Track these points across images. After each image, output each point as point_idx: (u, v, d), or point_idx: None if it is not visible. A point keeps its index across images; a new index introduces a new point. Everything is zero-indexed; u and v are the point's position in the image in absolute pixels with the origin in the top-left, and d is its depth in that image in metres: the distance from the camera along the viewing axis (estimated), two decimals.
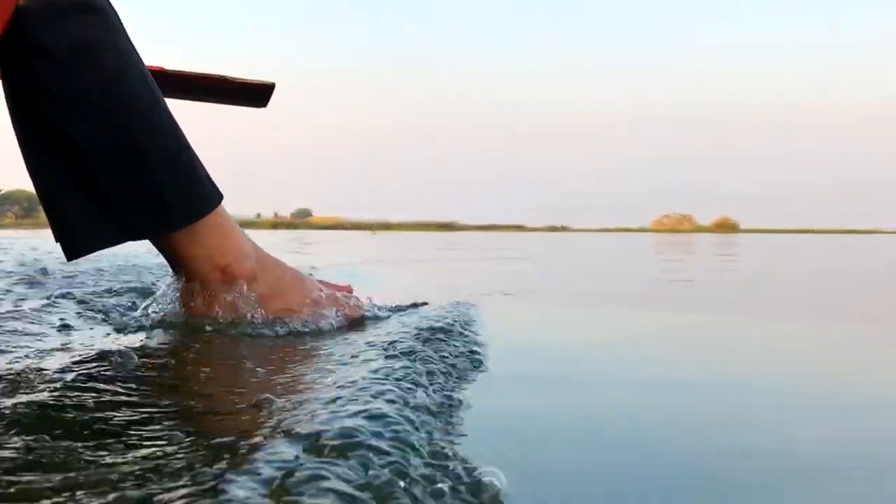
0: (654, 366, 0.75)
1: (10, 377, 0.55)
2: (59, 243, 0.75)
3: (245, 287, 0.81)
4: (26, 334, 0.75)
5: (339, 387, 0.50)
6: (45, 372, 0.57)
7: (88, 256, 0.77)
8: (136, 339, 0.75)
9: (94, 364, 0.60)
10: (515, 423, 0.51)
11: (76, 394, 0.50)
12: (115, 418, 0.45)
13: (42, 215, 0.76)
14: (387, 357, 0.61)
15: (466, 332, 0.80)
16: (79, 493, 0.32)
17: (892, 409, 0.59)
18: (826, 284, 2.04)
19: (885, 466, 0.44)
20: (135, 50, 0.76)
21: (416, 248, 4.74)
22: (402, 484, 0.33)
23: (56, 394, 0.49)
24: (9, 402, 0.46)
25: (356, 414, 0.41)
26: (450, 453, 0.38)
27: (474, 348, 0.72)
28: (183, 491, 0.31)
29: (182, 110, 0.82)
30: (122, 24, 0.75)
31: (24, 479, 0.34)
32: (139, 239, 0.77)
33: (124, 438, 0.41)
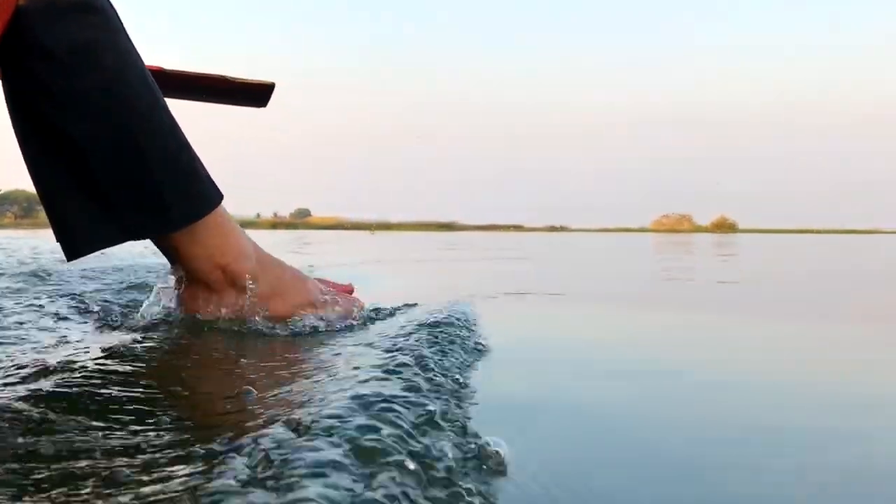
0: (653, 364, 0.75)
1: (9, 376, 0.55)
2: (59, 243, 0.75)
3: (246, 287, 0.81)
4: (25, 334, 0.75)
5: (340, 378, 0.50)
6: (43, 371, 0.57)
7: (89, 256, 0.77)
8: (136, 339, 0.75)
9: (94, 363, 0.60)
10: (518, 404, 0.54)
11: (74, 391, 0.50)
12: (112, 415, 0.45)
13: (41, 215, 0.76)
14: (388, 352, 0.62)
15: (470, 329, 0.81)
16: (78, 481, 0.32)
17: (892, 409, 0.59)
18: (825, 284, 2.04)
19: (885, 467, 0.44)
20: (135, 50, 0.76)
21: (415, 249, 4.75)
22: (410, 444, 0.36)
23: (56, 392, 0.49)
24: (8, 401, 0.47)
25: (367, 394, 0.44)
26: (458, 426, 0.41)
27: (479, 340, 0.75)
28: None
29: (182, 110, 0.82)
30: (122, 23, 0.75)
31: (24, 472, 0.34)
32: (139, 239, 0.77)
33: (120, 434, 0.41)
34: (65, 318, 0.87)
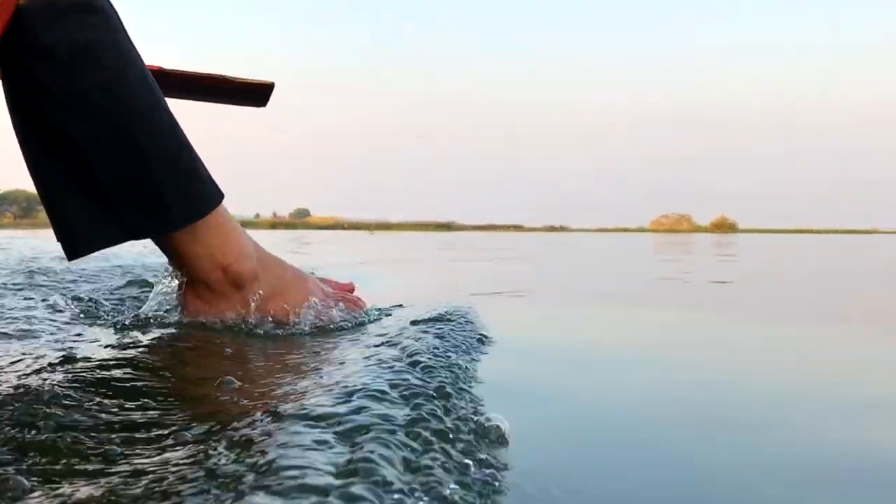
0: (653, 365, 0.75)
1: (10, 375, 0.55)
2: (60, 243, 0.75)
3: (247, 286, 0.81)
4: (24, 332, 0.75)
5: (346, 370, 0.50)
6: (43, 369, 0.57)
7: (89, 256, 0.77)
8: (135, 338, 0.75)
9: (95, 362, 0.60)
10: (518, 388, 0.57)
11: (75, 390, 0.50)
12: (111, 412, 0.45)
13: (41, 215, 0.76)
14: (393, 346, 0.64)
15: (471, 325, 0.82)
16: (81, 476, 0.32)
17: (891, 409, 0.59)
18: (823, 284, 2.05)
19: (884, 467, 0.44)
20: (135, 49, 0.76)
21: (414, 249, 4.75)
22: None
23: (56, 390, 0.49)
24: (9, 399, 0.47)
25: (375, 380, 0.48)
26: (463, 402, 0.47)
27: (482, 332, 0.78)
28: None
29: (182, 110, 0.82)
30: (122, 23, 0.75)
31: (26, 467, 0.34)
32: (140, 238, 0.77)
33: (114, 422, 0.41)
34: (65, 317, 0.87)
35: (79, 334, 0.76)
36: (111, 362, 0.61)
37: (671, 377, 0.68)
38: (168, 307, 0.86)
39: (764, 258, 3.71)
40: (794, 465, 0.43)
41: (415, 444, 0.37)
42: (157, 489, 0.32)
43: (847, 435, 0.50)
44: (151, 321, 0.85)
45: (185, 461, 0.36)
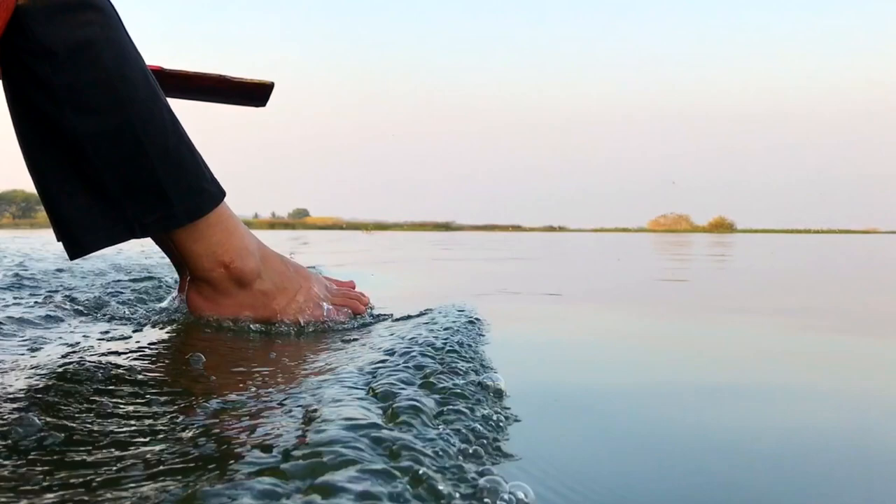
0: (650, 366, 0.75)
1: (11, 374, 0.55)
2: (61, 242, 0.75)
3: (249, 283, 0.81)
4: (26, 333, 0.75)
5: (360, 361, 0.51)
6: (45, 368, 0.57)
7: (89, 256, 0.77)
8: (139, 337, 0.75)
9: (96, 361, 0.60)
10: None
11: (78, 387, 0.50)
12: (112, 410, 0.45)
13: (39, 215, 0.77)
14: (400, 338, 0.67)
15: (472, 319, 0.83)
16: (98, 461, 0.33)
17: (889, 406, 0.59)
18: (825, 285, 2.05)
19: (886, 467, 0.44)
20: (135, 48, 0.76)
21: (413, 248, 4.74)
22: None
23: (57, 388, 0.50)
24: (11, 396, 0.47)
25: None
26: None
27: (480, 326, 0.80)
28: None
29: (181, 110, 0.82)
30: (121, 22, 0.75)
31: (30, 463, 0.34)
32: (143, 237, 0.77)
33: (124, 429, 0.41)
34: (64, 318, 0.87)
35: (82, 334, 0.76)
36: (112, 361, 0.61)
37: (664, 373, 0.69)
38: (171, 305, 0.87)
39: (762, 258, 3.72)
40: (797, 465, 0.43)
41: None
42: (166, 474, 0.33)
43: (850, 436, 0.50)
44: (154, 320, 0.85)
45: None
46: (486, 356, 0.65)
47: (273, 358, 0.66)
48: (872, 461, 0.44)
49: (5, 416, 0.43)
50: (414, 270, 2.43)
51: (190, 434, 0.41)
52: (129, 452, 0.38)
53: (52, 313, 0.87)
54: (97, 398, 0.49)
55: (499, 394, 0.52)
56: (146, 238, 0.80)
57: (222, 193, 0.80)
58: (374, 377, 0.51)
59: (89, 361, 0.60)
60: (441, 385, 0.49)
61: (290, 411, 0.44)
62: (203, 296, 0.82)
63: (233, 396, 0.49)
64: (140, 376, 0.56)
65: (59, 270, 1.55)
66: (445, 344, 0.63)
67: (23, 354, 0.64)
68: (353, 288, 0.95)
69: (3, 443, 0.39)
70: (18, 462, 0.36)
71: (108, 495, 0.32)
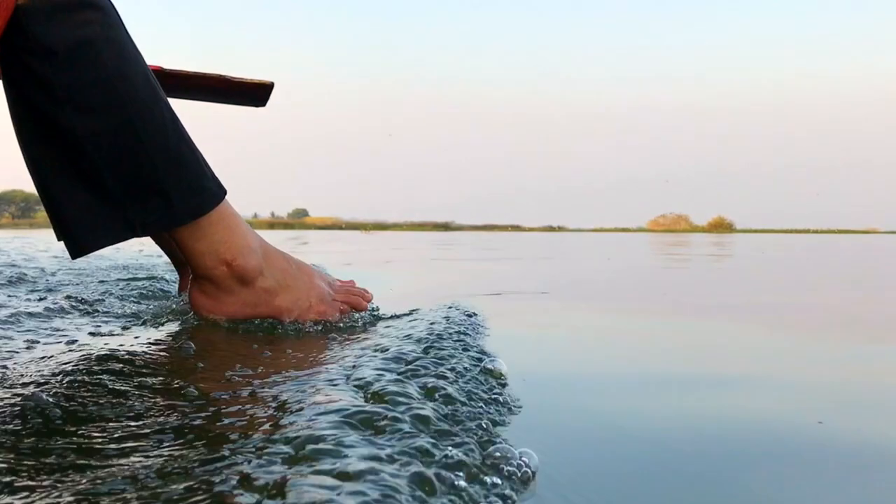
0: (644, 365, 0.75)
1: (14, 373, 0.55)
2: (62, 241, 0.75)
3: (252, 281, 0.81)
4: (28, 333, 0.75)
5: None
6: (49, 367, 0.57)
7: (89, 255, 0.77)
8: (142, 335, 0.75)
9: (99, 360, 0.60)
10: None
11: (80, 381, 0.50)
12: (115, 407, 0.45)
13: (39, 215, 0.77)
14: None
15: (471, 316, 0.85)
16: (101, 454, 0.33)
17: (890, 407, 0.59)
18: (824, 286, 2.05)
19: (886, 468, 0.44)
20: (135, 46, 0.76)
21: (412, 248, 4.74)
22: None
23: (60, 387, 0.50)
24: (14, 394, 0.47)
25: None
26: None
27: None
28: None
29: (181, 110, 0.82)
30: (121, 21, 0.75)
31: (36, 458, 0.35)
32: (145, 235, 0.77)
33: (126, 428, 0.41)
34: (66, 317, 0.87)
35: (82, 332, 0.76)
36: (115, 359, 0.61)
37: (659, 373, 0.69)
38: (174, 304, 0.87)
39: (762, 258, 3.72)
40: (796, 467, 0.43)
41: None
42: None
43: (853, 438, 0.50)
44: (157, 319, 0.85)
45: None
46: (487, 347, 0.71)
47: (288, 353, 0.67)
48: (870, 460, 0.45)
49: (12, 403, 0.43)
50: (412, 270, 2.43)
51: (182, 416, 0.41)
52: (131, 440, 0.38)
53: (52, 312, 0.87)
54: (97, 396, 0.49)
55: (500, 376, 0.58)
56: (146, 237, 0.80)
57: (223, 191, 0.80)
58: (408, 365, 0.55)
59: (90, 360, 0.60)
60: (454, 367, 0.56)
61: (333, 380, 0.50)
62: (206, 294, 0.82)
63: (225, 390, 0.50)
64: (137, 373, 0.57)
65: (58, 269, 1.55)
66: (451, 335, 0.70)
67: (18, 352, 0.64)
68: (354, 286, 0.95)
69: (14, 426, 0.39)
70: (30, 444, 0.36)
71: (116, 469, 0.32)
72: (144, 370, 0.58)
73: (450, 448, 0.36)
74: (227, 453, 0.36)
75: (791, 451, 0.45)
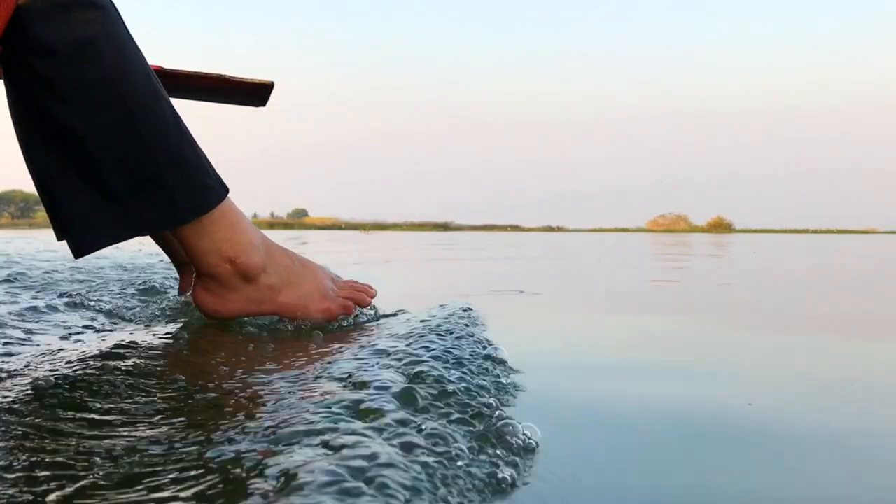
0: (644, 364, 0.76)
1: (17, 372, 0.55)
2: (64, 241, 0.75)
3: (256, 278, 0.81)
4: (28, 333, 0.75)
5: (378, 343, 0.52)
6: (53, 365, 0.57)
7: (89, 255, 0.77)
8: (141, 335, 0.75)
9: (100, 358, 0.61)
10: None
11: (85, 380, 0.50)
12: (118, 405, 0.45)
13: (38, 215, 0.77)
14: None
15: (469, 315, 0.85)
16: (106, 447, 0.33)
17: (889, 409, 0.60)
18: (824, 287, 2.06)
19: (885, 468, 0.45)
20: (136, 45, 0.76)
21: (412, 248, 4.75)
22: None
23: (61, 387, 0.50)
24: (18, 393, 0.47)
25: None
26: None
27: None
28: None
29: (181, 110, 0.82)
30: (122, 19, 0.75)
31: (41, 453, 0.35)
32: (148, 234, 0.77)
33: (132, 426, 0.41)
34: (67, 317, 0.87)
35: (86, 339, 0.76)
36: (117, 358, 0.61)
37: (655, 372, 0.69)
38: (177, 303, 0.87)
39: (761, 259, 3.72)
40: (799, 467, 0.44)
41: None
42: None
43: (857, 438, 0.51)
44: (160, 318, 0.85)
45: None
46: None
47: (292, 349, 0.67)
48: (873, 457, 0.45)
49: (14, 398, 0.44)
50: (412, 270, 2.44)
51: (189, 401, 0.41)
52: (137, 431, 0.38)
53: (51, 312, 0.88)
54: (99, 394, 0.49)
55: (503, 363, 0.63)
56: (146, 236, 0.80)
57: (225, 189, 0.80)
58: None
59: (90, 359, 0.61)
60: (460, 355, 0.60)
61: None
62: (209, 292, 0.82)
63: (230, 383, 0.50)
64: (140, 373, 0.57)
65: (58, 269, 1.56)
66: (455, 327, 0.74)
67: (19, 350, 0.64)
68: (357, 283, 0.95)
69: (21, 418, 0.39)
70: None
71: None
72: (145, 368, 0.58)
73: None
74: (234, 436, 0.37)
75: (719, 426, 0.51)
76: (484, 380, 0.54)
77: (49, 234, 0.77)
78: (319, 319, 0.84)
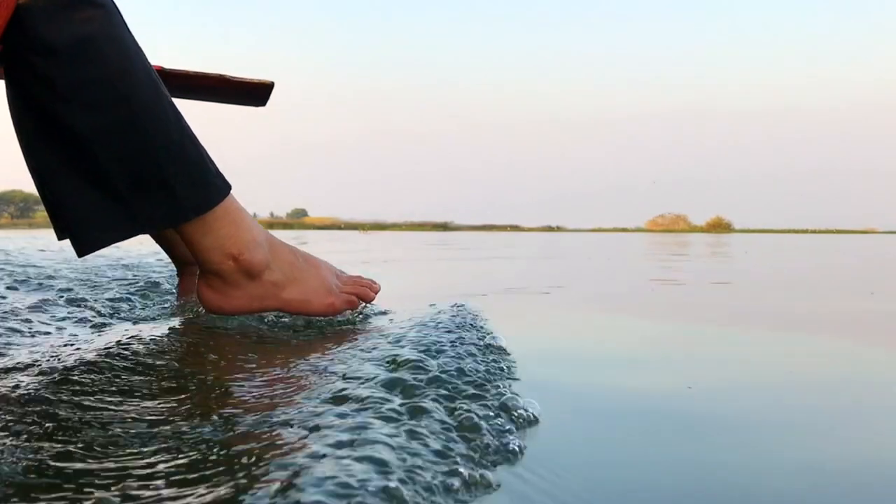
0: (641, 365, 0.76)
1: (19, 371, 0.55)
2: (67, 239, 0.75)
3: (259, 275, 0.81)
4: (29, 332, 0.76)
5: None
6: (52, 363, 0.57)
7: (89, 255, 0.77)
8: (142, 334, 0.75)
9: (102, 357, 0.61)
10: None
11: (85, 379, 0.51)
12: (119, 404, 0.45)
13: (38, 215, 0.77)
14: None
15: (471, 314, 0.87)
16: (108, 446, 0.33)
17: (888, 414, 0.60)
18: (823, 288, 2.06)
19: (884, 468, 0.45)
20: (137, 43, 0.76)
21: (411, 248, 4.75)
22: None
23: (63, 385, 0.50)
24: (22, 392, 0.47)
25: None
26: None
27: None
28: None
29: (181, 110, 0.82)
30: (123, 18, 0.75)
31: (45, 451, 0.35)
32: (152, 231, 0.77)
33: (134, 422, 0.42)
34: (68, 317, 0.87)
35: (88, 338, 0.76)
36: (119, 357, 0.61)
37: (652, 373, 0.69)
38: (180, 301, 0.87)
39: (761, 260, 3.72)
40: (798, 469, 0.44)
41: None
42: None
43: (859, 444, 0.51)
44: (162, 316, 0.85)
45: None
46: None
47: (295, 346, 0.67)
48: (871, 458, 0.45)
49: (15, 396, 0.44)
50: (413, 270, 2.44)
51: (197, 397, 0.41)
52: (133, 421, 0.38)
53: (51, 310, 0.88)
54: (99, 393, 0.49)
55: (501, 350, 0.68)
56: (146, 235, 0.80)
57: (228, 186, 0.80)
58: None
59: (91, 358, 0.61)
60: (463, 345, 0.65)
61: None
62: (213, 289, 0.82)
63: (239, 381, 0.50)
64: (140, 371, 0.57)
65: (58, 268, 1.56)
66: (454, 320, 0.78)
67: (19, 346, 0.64)
68: (361, 278, 0.95)
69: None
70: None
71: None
72: (146, 364, 0.59)
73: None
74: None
75: (664, 407, 0.55)
76: (490, 365, 0.60)
77: (49, 233, 0.77)
78: (323, 315, 0.84)
